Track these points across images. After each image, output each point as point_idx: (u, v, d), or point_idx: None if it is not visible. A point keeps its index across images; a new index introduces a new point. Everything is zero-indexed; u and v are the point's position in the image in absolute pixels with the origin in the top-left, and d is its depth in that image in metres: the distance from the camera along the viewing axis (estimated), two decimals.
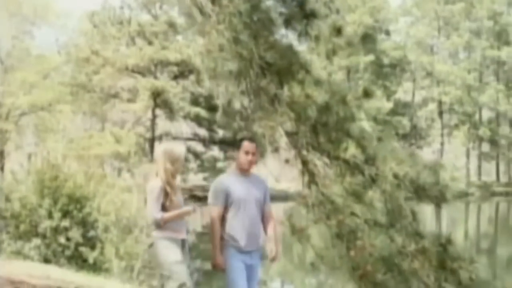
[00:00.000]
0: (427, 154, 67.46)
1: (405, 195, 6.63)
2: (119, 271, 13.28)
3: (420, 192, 6.84)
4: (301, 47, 7.49)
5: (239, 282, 5.99)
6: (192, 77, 46.17)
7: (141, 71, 46.41)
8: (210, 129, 49.43)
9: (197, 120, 48.44)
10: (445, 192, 7.07)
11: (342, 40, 7.44)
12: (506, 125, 72.96)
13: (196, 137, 50.23)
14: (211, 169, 48.47)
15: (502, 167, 73.45)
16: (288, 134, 6.59)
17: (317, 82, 6.79)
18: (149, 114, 47.66)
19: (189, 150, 50.63)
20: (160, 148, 6.27)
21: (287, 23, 7.45)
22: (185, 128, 51.26)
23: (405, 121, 67.30)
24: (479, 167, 71.50)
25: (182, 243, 6.13)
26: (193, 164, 50.03)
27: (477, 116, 71.98)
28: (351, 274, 6.04)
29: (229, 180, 6.20)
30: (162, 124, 49.94)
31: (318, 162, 6.63)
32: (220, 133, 49.71)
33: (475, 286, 6.94)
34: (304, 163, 6.61)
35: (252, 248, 6.11)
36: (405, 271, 6.60)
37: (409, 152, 6.71)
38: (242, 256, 6.05)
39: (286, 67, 6.79)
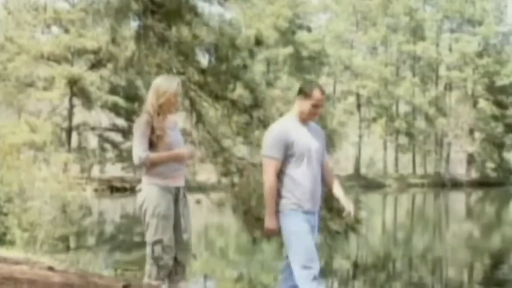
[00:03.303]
0: (345, 147, 68.57)
1: None
2: (22, 243, 13.08)
3: None
4: None
5: (311, 246, 5.03)
6: (110, 66, 45.49)
7: (57, 59, 45.51)
8: (128, 119, 48.89)
9: (116, 109, 47.92)
10: (333, 136, 7.19)
11: None
12: (422, 119, 74.64)
13: (114, 128, 49.64)
14: (130, 159, 47.97)
15: (418, 160, 75.16)
16: (176, 74, 6.59)
17: (206, 24, 6.80)
18: (66, 104, 46.83)
19: (107, 140, 50.10)
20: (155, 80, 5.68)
21: None
22: (104, 118, 50.65)
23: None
24: (396, 159, 72.98)
25: (176, 192, 5.43)
26: (111, 154, 49.56)
27: (394, 109, 73.47)
28: (235, 209, 6.08)
29: (290, 127, 5.12)
30: (80, 115, 49.22)
31: (205, 103, 6.64)
32: None
33: (360, 227, 7.10)
34: (192, 103, 6.60)
35: (315, 208, 5.19)
36: None
37: None
38: (306, 217, 5.09)
39: (175, 9, 6.79)
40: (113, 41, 6.18)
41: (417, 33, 73.96)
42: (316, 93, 5.13)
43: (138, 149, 5.27)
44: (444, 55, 74.92)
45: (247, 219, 6.30)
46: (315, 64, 69.90)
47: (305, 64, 68.45)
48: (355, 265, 16.83)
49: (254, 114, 6.87)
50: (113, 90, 47.02)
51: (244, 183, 6.27)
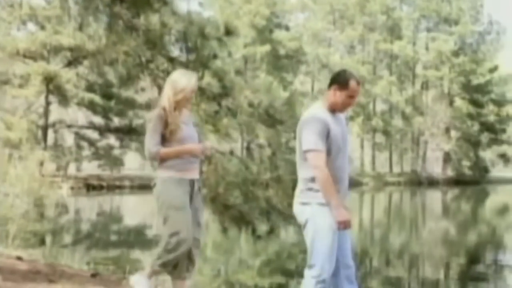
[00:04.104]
0: None
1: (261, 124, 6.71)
2: None
3: (276, 123, 6.92)
4: None
5: (334, 246, 4.79)
6: (86, 63, 45.25)
7: (33, 56, 45.16)
8: (105, 117, 48.76)
9: (92, 107, 47.71)
10: None
11: None
12: (399, 117, 75.03)
13: (91, 125, 49.43)
14: (106, 156, 47.88)
15: (395, 158, 75.53)
16: (144, 63, 6.58)
17: (175, 13, 6.79)
18: (42, 101, 46.50)
19: (83, 138, 49.84)
20: (171, 74, 5.57)
21: None
22: (80, 116, 50.43)
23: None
24: (373, 157, 73.27)
25: (191, 184, 5.38)
26: (87, 152, 49.35)
27: (371, 108, 73.76)
28: (204, 197, 6.04)
29: (326, 117, 4.82)
30: (56, 112, 48.92)
31: None
32: (116, 121, 49.09)
33: None
34: (160, 91, 6.57)
35: (345, 200, 4.91)
36: (259, 198, 6.65)
37: (267, 84, 6.81)
38: None
39: None
40: (81, 28, 6.14)
41: (394, 32, 74.37)
42: (353, 84, 4.86)
43: (149, 143, 5.25)
44: (421, 54, 75.43)
45: (216, 206, 6.31)
46: (293, 63, 69.94)
47: (283, 63, 68.42)
48: None
49: (222, 103, 6.86)
50: (90, 88, 46.79)
51: (211, 170, 6.27)
